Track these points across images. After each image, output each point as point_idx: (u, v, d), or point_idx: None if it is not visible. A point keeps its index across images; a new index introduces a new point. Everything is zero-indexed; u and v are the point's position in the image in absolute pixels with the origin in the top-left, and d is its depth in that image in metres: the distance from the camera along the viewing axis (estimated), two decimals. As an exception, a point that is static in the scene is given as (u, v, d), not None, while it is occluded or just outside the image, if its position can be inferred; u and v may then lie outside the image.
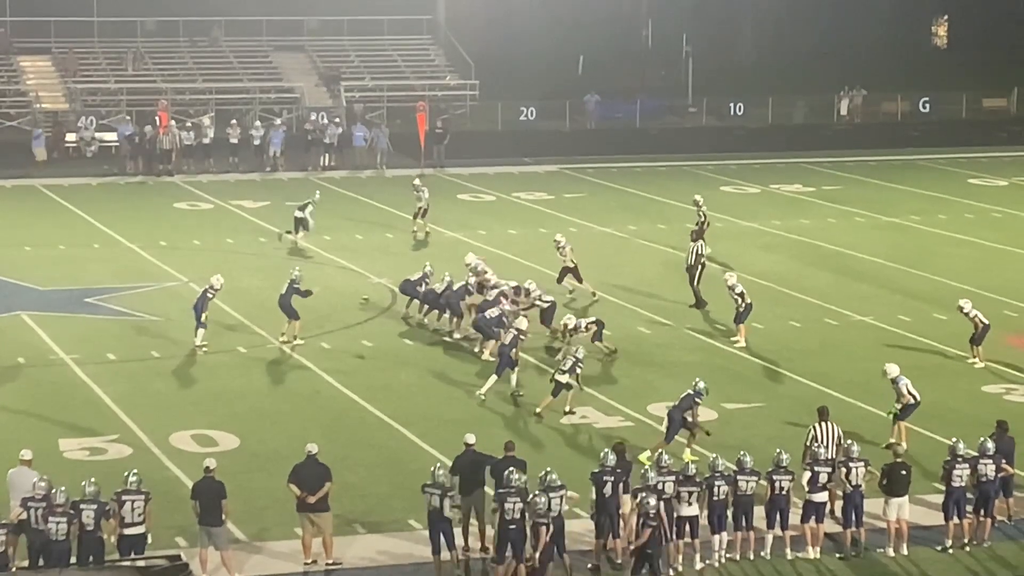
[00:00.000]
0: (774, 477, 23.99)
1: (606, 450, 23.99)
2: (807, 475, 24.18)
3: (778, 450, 24.35)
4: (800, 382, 32.55)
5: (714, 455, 24.48)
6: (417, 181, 48.28)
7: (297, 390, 31.91)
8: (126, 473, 22.72)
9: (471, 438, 24.50)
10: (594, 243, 45.53)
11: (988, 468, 24.61)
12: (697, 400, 27.75)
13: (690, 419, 27.53)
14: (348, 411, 30.72)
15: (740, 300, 35.10)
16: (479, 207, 52.61)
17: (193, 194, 53.94)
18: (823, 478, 24.22)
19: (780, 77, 78.02)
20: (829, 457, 24.81)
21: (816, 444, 25.26)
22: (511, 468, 23.05)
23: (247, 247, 45.05)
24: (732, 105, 73.42)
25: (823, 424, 25.99)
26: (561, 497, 22.80)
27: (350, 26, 74.13)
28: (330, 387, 32.14)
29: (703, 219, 42.74)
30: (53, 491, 22.05)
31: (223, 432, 29.08)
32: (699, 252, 38.51)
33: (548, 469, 23.21)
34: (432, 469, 23.17)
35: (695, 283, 38.37)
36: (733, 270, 36.36)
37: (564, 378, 29.99)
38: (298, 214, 44.91)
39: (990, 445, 24.83)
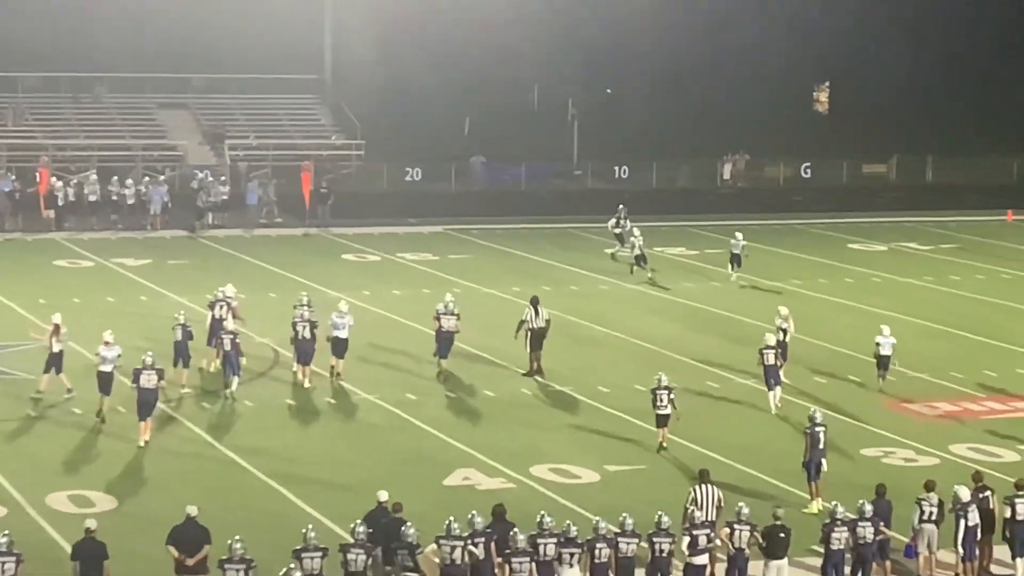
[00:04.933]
0: (654, 540, 24.02)
1: (472, 512, 23.93)
2: (686, 539, 24.24)
3: (659, 513, 24.39)
4: (682, 444, 32.65)
5: (596, 517, 24.50)
6: (623, 206, 52.46)
7: (177, 450, 31.52)
8: (-4, 534, 22.36)
9: (384, 495, 24.78)
10: (478, 304, 45.52)
11: (866, 531, 24.81)
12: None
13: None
14: (229, 472, 30.41)
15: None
16: (364, 267, 52.49)
17: (73, 251, 53.38)
18: (702, 541, 24.27)
19: (664, 141, 78.62)
20: (707, 519, 24.89)
21: (693, 507, 25.31)
22: (408, 523, 23.53)
23: (128, 305, 44.57)
24: (617, 168, 73.96)
25: (703, 486, 26.08)
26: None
27: (235, 84, 73.88)
28: (211, 447, 31.82)
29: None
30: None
31: (100, 493, 28.71)
32: (547, 318, 38.59)
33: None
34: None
35: (537, 350, 38.27)
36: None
37: (667, 410, 32.12)
38: (616, 230, 52.33)
39: (868, 508, 25.06)
